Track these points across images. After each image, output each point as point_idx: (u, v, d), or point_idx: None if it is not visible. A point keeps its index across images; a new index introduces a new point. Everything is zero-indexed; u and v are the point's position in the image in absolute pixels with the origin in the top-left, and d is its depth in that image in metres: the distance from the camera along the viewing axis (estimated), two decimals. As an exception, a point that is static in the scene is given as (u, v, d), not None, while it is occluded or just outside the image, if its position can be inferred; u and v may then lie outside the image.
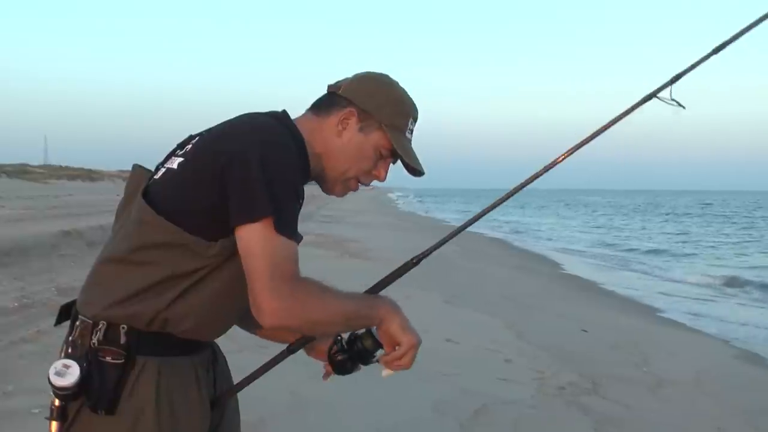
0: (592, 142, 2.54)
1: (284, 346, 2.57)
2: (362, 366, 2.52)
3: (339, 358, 2.50)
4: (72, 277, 11.89)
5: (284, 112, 2.47)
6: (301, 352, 2.63)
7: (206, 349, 2.49)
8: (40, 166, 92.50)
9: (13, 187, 47.04)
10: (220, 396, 2.53)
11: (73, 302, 2.44)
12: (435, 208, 78.08)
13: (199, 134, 2.41)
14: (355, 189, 2.54)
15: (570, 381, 8.04)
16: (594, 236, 41.14)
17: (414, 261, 2.53)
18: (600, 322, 12.37)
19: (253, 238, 2.16)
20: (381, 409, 6.57)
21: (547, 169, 2.56)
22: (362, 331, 2.45)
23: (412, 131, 2.51)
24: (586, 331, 11.22)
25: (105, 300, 2.29)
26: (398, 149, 2.45)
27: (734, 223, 58.83)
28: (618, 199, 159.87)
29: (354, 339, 2.48)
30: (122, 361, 2.24)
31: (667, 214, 74.07)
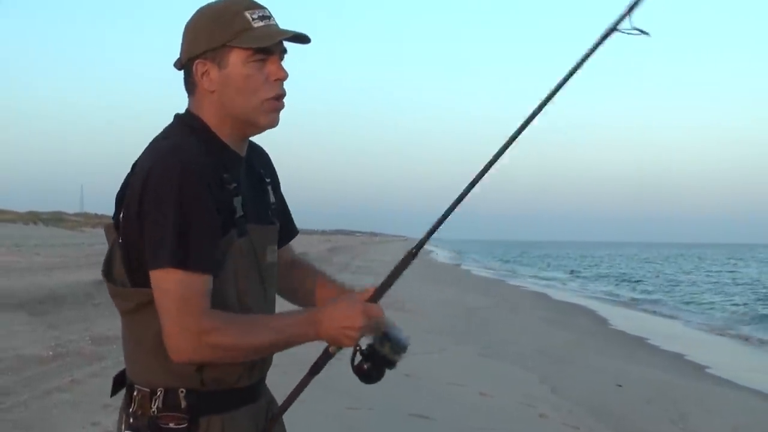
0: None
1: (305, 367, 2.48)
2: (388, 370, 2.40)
3: (365, 367, 2.37)
4: (106, 327, 11.92)
5: (186, 112, 2.40)
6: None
7: (264, 397, 2.50)
8: (75, 214, 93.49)
9: (49, 235, 47.61)
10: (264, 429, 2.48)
11: (124, 370, 2.43)
12: (469, 259, 78.07)
13: (130, 172, 2.34)
14: (281, 107, 2.37)
15: (605, 437, 7.93)
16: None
17: (414, 251, 2.40)
18: (639, 378, 12.20)
19: (158, 280, 2.17)
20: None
21: (518, 134, 2.39)
22: (380, 337, 2.35)
23: (262, 17, 2.32)
24: (620, 385, 11.09)
25: (148, 366, 2.29)
26: (256, 44, 2.29)
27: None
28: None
29: (377, 345, 2.36)
30: (185, 425, 2.26)
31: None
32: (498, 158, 2.40)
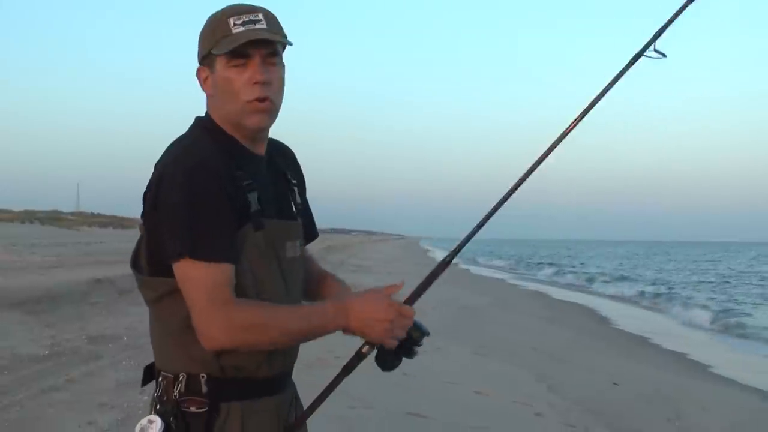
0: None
1: (338, 366, 2.55)
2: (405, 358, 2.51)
3: (387, 356, 2.47)
4: (103, 325, 11.93)
5: (205, 114, 2.51)
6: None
7: (288, 389, 2.58)
8: (72, 213, 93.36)
9: (45, 234, 47.48)
10: (290, 426, 2.57)
11: (153, 362, 2.53)
12: (466, 258, 78.04)
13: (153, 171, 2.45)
14: (264, 108, 2.41)
15: (601, 435, 7.93)
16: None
17: (447, 260, 2.58)
18: (637, 376, 12.21)
19: (182, 272, 2.28)
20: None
21: (543, 158, 2.57)
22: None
23: (246, 22, 2.37)
24: (617, 384, 11.10)
25: (172, 353, 2.41)
26: (229, 47, 2.35)
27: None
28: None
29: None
30: (206, 409, 2.36)
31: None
32: (527, 177, 2.55)
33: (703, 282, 47.13)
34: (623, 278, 48.84)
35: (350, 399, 6.96)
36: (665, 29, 2.61)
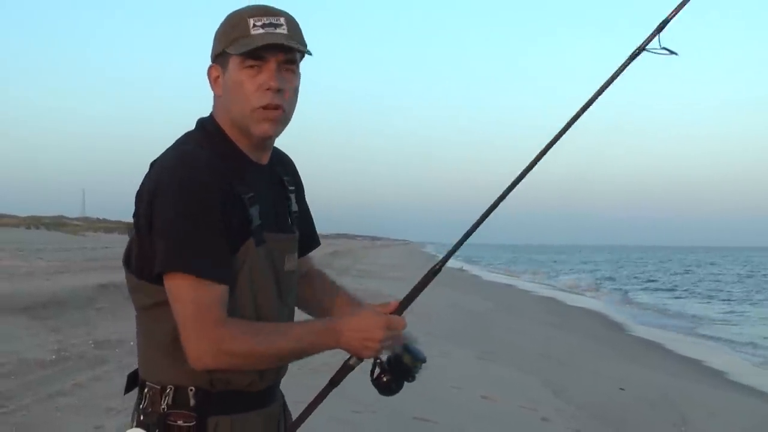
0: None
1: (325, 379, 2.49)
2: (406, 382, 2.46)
3: (384, 379, 2.41)
4: (109, 330, 11.93)
5: (209, 116, 2.43)
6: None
7: (277, 402, 2.50)
8: (77, 219, 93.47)
9: (51, 239, 47.50)
10: None
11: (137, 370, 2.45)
12: (474, 263, 77.97)
13: (148, 171, 2.37)
14: (274, 117, 2.32)
15: (607, 440, 7.92)
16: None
17: (437, 267, 2.47)
18: (645, 382, 12.16)
19: (173, 288, 2.20)
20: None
21: (543, 152, 2.47)
22: (400, 348, 2.41)
23: (266, 24, 2.28)
24: (623, 389, 11.08)
25: (160, 364, 2.31)
26: (242, 50, 2.27)
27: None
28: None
29: (396, 358, 2.41)
30: (194, 423, 2.28)
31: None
32: (522, 178, 2.48)
33: (713, 288, 46.98)
34: (630, 283, 48.80)
35: (355, 403, 6.95)
36: (669, 21, 2.44)
